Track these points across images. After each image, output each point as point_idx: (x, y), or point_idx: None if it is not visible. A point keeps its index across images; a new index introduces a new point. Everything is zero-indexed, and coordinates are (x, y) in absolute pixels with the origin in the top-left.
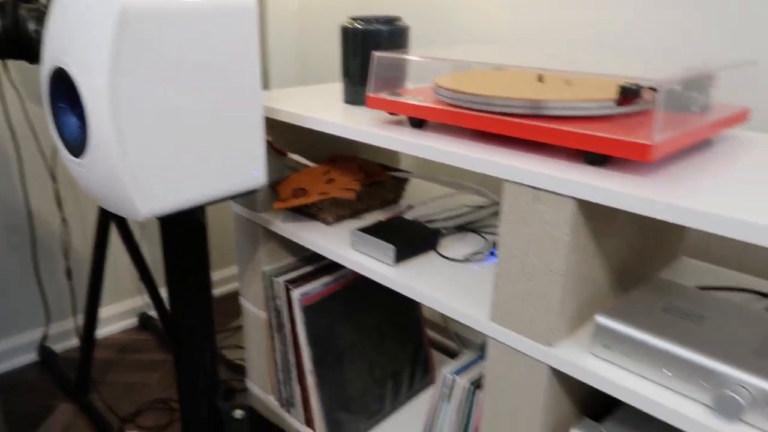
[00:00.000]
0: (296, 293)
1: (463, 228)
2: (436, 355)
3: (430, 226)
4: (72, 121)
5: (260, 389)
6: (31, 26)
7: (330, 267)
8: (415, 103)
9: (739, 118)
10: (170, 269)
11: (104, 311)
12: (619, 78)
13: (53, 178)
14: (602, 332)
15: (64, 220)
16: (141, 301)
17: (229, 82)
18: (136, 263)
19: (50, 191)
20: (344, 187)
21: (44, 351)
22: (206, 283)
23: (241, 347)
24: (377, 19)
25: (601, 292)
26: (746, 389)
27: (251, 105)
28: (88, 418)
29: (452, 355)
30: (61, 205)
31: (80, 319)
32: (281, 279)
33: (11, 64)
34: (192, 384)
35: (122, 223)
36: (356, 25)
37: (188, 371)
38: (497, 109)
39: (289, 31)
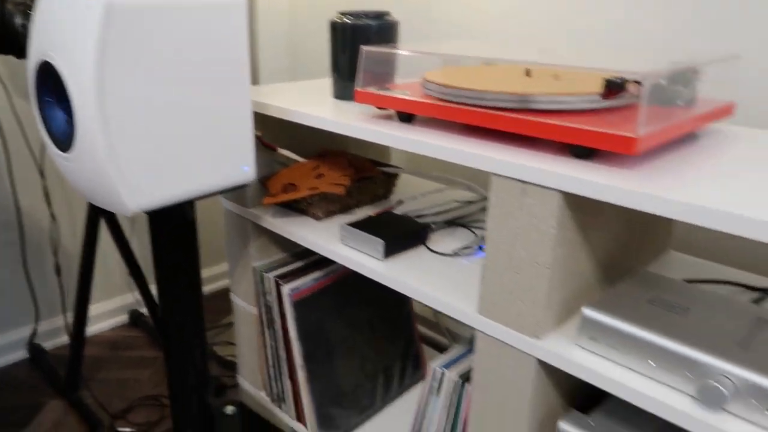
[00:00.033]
0: (286, 288)
1: (453, 223)
2: (428, 351)
3: (420, 221)
4: (59, 115)
5: (251, 385)
6: (18, 21)
7: (320, 262)
8: (404, 97)
9: (724, 112)
10: (159, 265)
11: (95, 308)
12: (605, 71)
13: (42, 174)
14: (589, 324)
15: (53, 217)
16: (132, 298)
17: (217, 76)
18: (125, 259)
19: (39, 187)
20: (334, 182)
21: (34, 348)
22: (196, 279)
23: (232, 344)
24: (366, 14)
25: (588, 285)
26: (729, 379)
27: (240, 100)
28: (79, 415)
29: (443, 350)
30: (49, 201)
31: (70, 316)
32: (271, 274)
33: None
34: (182, 380)
35: (112, 219)
36: (345, 19)
37: (178, 367)
38: (485, 103)
39: (278, 26)
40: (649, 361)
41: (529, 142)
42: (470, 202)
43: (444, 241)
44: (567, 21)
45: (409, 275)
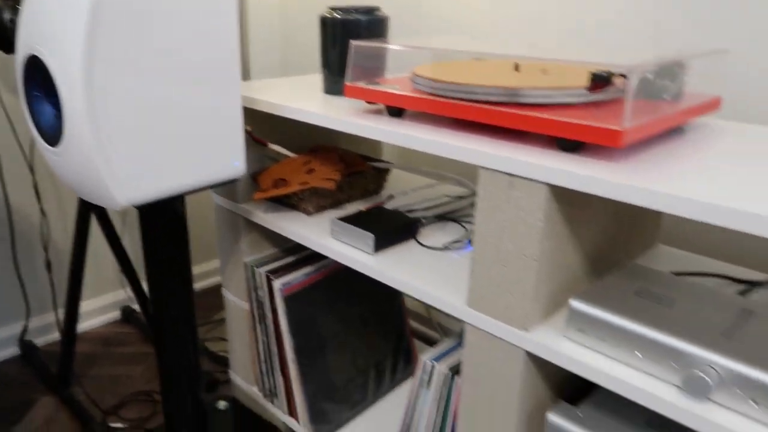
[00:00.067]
0: (277, 283)
1: (443, 217)
2: (420, 346)
3: (410, 215)
4: (47, 109)
5: (243, 380)
6: (6, 16)
7: (312, 257)
8: (393, 91)
9: (710, 106)
10: (150, 260)
11: (86, 305)
12: (591, 65)
13: (31, 169)
14: (576, 316)
15: (43, 212)
16: (124, 294)
17: (206, 70)
18: (117, 255)
19: (29, 183)
20: (324, 177)
21: (25, 345)
22: (187, 275)
23: (224, 339)
24: (356, 9)
25: (576, 277)
26: (714, 369)
27: (229, 94)
28: (70, 411)
29: (435, 345)
30: (39, 196)
31: (62, 312)
32: (263, 269)
33: None
34: (174, 376)
35: (102, 215)
36: (335, 14)
37: (170, 363)
38: (473, 97)
39: (269, 21)
40: (636, 352)
41: (517, 136)
42: (461, 197)
43: (434, 235)
44: (557, 17)
45: (399, 269)
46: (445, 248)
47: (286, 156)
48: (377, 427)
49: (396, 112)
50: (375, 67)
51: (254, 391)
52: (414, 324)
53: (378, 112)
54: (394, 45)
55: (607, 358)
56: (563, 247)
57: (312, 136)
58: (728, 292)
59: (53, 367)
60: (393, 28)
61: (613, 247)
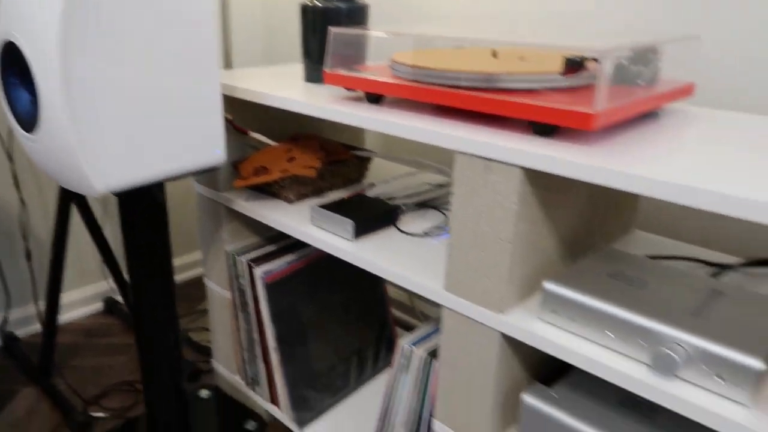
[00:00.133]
0: (259, 271)
1: (423, 205)
2: (402, 334)
3: (391, 203)
4: (24, 96)
5: (226, 369)
6: None
7: (294, 246)
8: (371, 78)
9: (684, 92)
10: (130, 249)
11: (69, 296)
12: (563, 49)
13: (10, 158)
14: (550, 298)
15: (22, 202)
16: (107, 285)
17: (183, 57)
18: (98, 245)
19: (7, 172)
20: (305, 165)
21: (5, 336)
22: (167, 263)
23: (207, 329)
24: None
25: (551, 261)
26: (682, 347)
27: (208, 82)
28: (52, 402)
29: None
30: (18, 185)
31: (43, 304)
32: (244, 258)
33: None
34: (155, 365)
35: (83, 204)
36: (315, 2)
37: (151, 352)
38: (450, 83)
39: (252, 10)
40: (607, 332)
41: (494, 122)
42: (441, 186)
43: (414, 222)
44: (536, 7)
45: (379, 255)
46: (425, 235)
47: (267, 144)
48: (359, 413)
49: (375, 98)
50: (355, 54)
51: (236, 379)
52: (397, 312)
53: (357, 99)
54: (373, 32)
55: (579, 338)
56: (538, 231)
57: (293, 124)
58: (700, 274)
59: (34, 359)
60: (375, 18)
61: (589, 232)
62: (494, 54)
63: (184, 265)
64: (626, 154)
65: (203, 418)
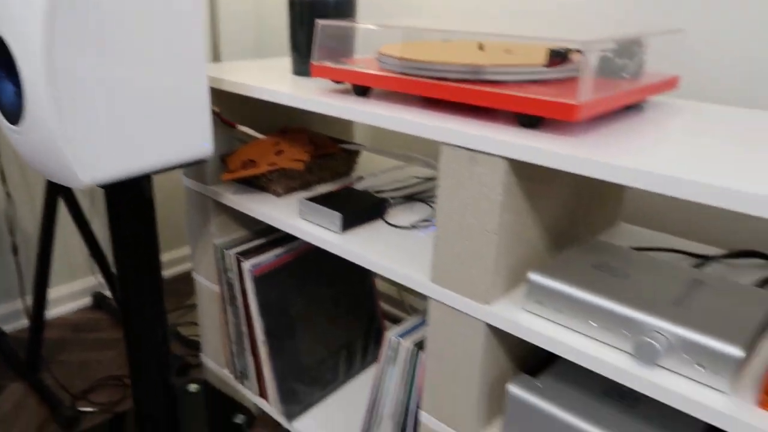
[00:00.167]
0: (247, 264)
1: (411, 198)
2: (391, 328)
3: (379, 196)
4: (8, 87)
5: (215, 363)
6: None
7: (282, 240)
8: (358, 70)
9: (668, 85)
10: (118, 242)
11: (57, 291)
12: (548, 41)
13: None
14: (535, 289)
15: (8, 195)
16: (95, 280)
17: (170, 50)
18: (86, 239)
19: None
20: (293, 158)
21: None
22: (155, 257)
23: (196, 324)
24: None
25: (537, 252)
26: (663, 335)
27: (195, 74)
28: (39, 397)
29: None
30: (5, 178)
31: (30, 298)
32: (232, 251)
33: None
34: (143, 359)
35: (70, 197)
36: None
37: (139, 346)
38: (437, 75)
39: (242, 2)
40: (591, 322)
41: (481, 114)
42: (429, 179)
43: (402, 215)
44: (524, 1)
45: (366, 248)
46: (412, 227)
47: (255, 138)
48: (348, 406)
49: (362, 90)
50: (342, 47)
51: (225, 373)
52: (386, 306)
53: (344, 91)
54: (359, 24)
55: (563, 328)
56: (523, 222)
57: (282, 118)
58: (682, 265)
59: (22, 354)
60: (362, 11)
61: (574, 224)
62: (481, 47)
63: (173, 260)
64: (611, 146)
65: (192, 412)
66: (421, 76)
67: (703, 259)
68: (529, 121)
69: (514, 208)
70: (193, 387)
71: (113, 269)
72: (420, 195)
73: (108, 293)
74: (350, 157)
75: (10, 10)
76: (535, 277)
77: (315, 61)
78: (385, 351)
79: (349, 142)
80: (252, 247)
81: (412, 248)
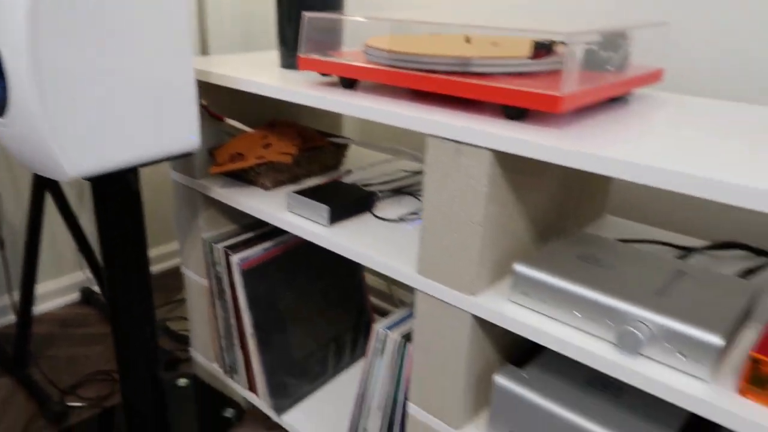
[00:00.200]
0: (235, 258)
1: (399, 191)
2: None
3: (367, 189)
4: None
5: (204, 357)
6: None
7: (270, 233)
8: (345, 62)
9: (652, 77)
10: (105, 238)
11: (45, 286)
12: (533, 33)
13: None
14: (520, 280)
15: None
16: (83, 275)
17: (156, 42)
18: (73, 234)
19: None
20: (281, 151)
21: None
22: (142, 251)
23: (185, 319)
24: None
25: (523, 244)
26: (645, 325)
27: (181, 67)
28: (27, 392)
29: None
30: None
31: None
32: (221, 245)
33: None
34: (131, 354)
35: (57, 191)
36: None
37: (127, 341)
38: (424, 67)
39: None
40: (575, 312)
41: (467, 107)
42: (417, 173)
43: (390, 208)
44: None
45: (354, 240)
46: (400, 220)
47: (243, 131)
48: (337, 399)
49: (349, 83)
50: (330, 40)
51: (215, 367)
52: (375, 300)
53: (332, 84)
54: (346, 17)
55: (548, 319)
56: (509, 214)
57: (270, 111)
58: (666, 257)
59: (9, 349)
60: (350, 4)
61: (561, 216)
62: (467, 40)
63: (162, 255)
64: (596, 137)
65: (181, 406)
66: (408, 69)
67: (687, 251)
68: (515, 113)
69: (500, 200)
70: (182, 381)
71: (101, 264)
72: (408, 188)
73: (96, 288)
74: (339, 150)
75: None
76: (520, 268)
77: (302, 54)
78: (373, 343)
79: (337, 135)
80: (240, 241)
81: (399, 241)
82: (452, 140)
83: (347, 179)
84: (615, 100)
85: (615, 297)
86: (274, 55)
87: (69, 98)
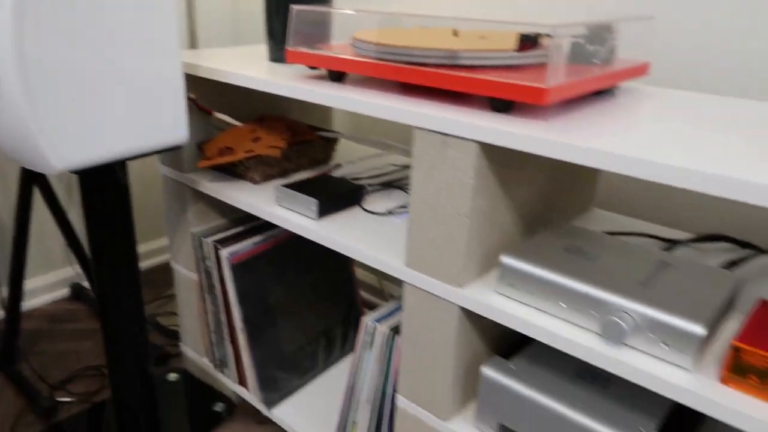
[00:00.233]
0: (225, 252)
1: (389, 185)
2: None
3: (356, 183)
4: None
5: (194, 352)
6: None
7: (260, 228)
8: (332, 55)
9: (638, 71)
10: (94, 232)
11: (34, 282)
12: (519, 26)
13: None
14: (507, 271)
15: None
16: (72, 271)
17: (142, 35)
18: (62, 229)
19: None
20: (270, 145)
21: None
22: (131, 246)
23: (175, 314)
24: None
25: (510, 236)
26: (629, 315)
27: (168, 60)
28: (16, 388)
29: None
30: None
31: (5, 290)
32: (210, 239)
33: None
34: (120, 349)
35: (45, 186)
36: None
37: (116, 336)
38: (411, 60)
39: None
40: (560, 303)
41: (455, 100)
42: (406, 167)
43: (379, 202)
44: None
45: (343, 234)
46: (389, 213)
47: (232, 125)
48: (327, 393)
49: (336, 76)
50: (318, 33)
51: (205, 362)
52: (365, 294)
53: (320, 77)
54: (334, 9)
55: (534, 310)
56: (496, 206)
57: (259, 105)
58: (651, 248)
59: None
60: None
61: (548, 209)
62: (455, 33)
63: (152, 251)
64: (582, 129)
65: (171, 401)
66: (395, 61)
67: (673, 243)
68: (502, 105)
69: (487, 193)
70: (172, 376)
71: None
72: (397, 182)
73: (86, 284)
74: (328, 144)
75: None
76: (506, 259)
77: (290, 47)
78: (362, 336)
79: (327, 129)
80: (230, 236)
81: (388, 234)
82: (439, 132)
83: (337, 173)
84: (601, 94)
85: (599, 288)
86: (262, 49)
87: (55, 91)
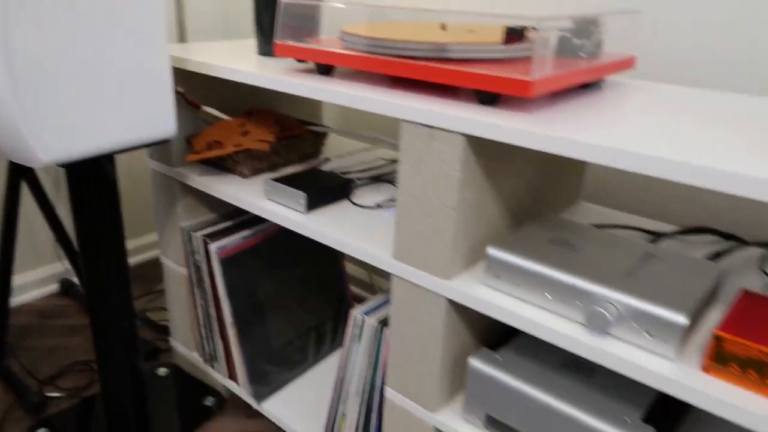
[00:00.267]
0: (214, 246)
1: (378, 179)
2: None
3: (345, 177)
4: None
5: (184, 346)
6: None
7: (249, 222)
8: (320, 48)
9: (624, 64)
10: (82, 227)
11: (23, 277)
12: (505, 19)
13: None
14: (493, 263)
15: None
16: (62, 266)
17: (129, 28)
18: (51, 224)
19: None
20: (259, 139)
21: None
22: (119, 240)
23: (165, 309)
24: None
25: (497, 229)
26: (613, 305)
27: (156, 53)
28: (5, 383)
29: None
30: None
31: None
32: (199, 234)
33: None
34: (109, 343)
35: (33, 180)
36: None
37: (105, 331)
38: (399, 53)
39: None
40: (546, 294)
41: (442, 93)
42: (395, 161)
43: (368, 195)
44: None
45: (331, 227)
46: (377, 207)
47: (220, 119)
48: (317, 387)
49: (325, 69)
50: (307, 27)
51: (195, 356)
52: (356, 290)
53: (308, 70)
54: (321, 2)
55: (520, 301)
56: (483, 198)
57: (249, 99)
58: (636, 240)
59: None
60: None
61: (535, 202)
62: (443, 27)
63: (141, 246)
64: (568, 122)
65: (161, 395)
66: (383, 54)
67: (658, 236)
68: (488, 98)
69: (474, 185)
70: (162, 371)
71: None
72: (386, 176)
73: (75, 279)
74: (317, 138)
75: None
76: (493, 251)
77: (278, 40)
78: (350, 329)
79: (316, 123)
80: (219, 230)
81: (376, 227)
82: (425, 125)
83: (326, 167)
84: (588, 87)
85: (584, 278)
86: (252, 43)
87: (41, 84)
